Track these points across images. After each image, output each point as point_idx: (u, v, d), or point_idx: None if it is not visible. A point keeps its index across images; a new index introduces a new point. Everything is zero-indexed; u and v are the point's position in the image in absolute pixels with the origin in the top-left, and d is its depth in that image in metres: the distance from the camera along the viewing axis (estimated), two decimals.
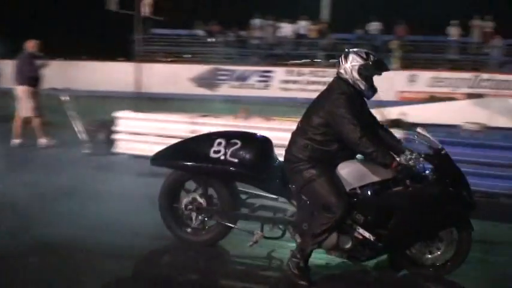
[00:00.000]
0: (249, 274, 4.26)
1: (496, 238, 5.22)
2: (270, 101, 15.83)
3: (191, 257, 4.47)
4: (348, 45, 20.53)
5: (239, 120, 7.55)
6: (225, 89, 18.87)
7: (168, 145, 4.67)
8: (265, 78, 19.23)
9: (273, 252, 4.50)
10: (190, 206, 4.46)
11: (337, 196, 3.88)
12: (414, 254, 4.07)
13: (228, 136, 4.36)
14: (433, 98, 16.05)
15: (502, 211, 6.14)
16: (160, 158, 4.55)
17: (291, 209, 4.25)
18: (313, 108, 4.05)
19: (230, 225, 4.38)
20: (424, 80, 18.43)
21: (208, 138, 4.43)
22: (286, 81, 19.01)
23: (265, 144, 4.38)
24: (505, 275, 4.42)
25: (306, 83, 18.64)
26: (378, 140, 3.97)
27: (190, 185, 4.55)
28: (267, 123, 7.37)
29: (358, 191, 3.97)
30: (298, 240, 4.12)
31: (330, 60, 18.52)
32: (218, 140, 4.30)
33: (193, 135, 5.30)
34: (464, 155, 6.39)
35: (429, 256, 4.11)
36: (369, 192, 3.94)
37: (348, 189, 3.94)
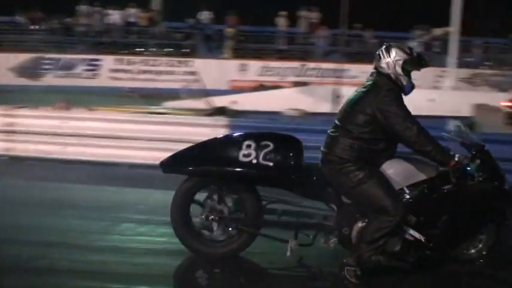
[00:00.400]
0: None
1: None
2: (98, 91, 15.49)
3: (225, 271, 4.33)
4: (180, 33, 20.92)
5: (59, 111, 7.34)
6: (50, 79, 18.06)
7: (178, 150, 4.39)
8: (93, 67, 18.77)
9: (305, 260, 4.29)
10: (212, 216, 4.17)
11: (393, 198, 3.81)
12: (456, 251, 4.15)
13: (257, 137, 4.15)
14: (262, 87, 17.16)
15: None
16: (177, 164, 4.29)
17: (320, 213, 4.17)
18: (356, 105, 3.91)
19: (257, 233, 4.20)
20: (255, 69, 19.62)
21: (235, 141, 4.20)
22: (116, 70, 18.75)
23: (298, 145, 4.20)
24: None
25: (136, 72, 18.57)
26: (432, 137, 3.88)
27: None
28: (89, 114, 7.27)
29: (407, 191, 3.95)
30: (331, 245, 4.07)
31: (165, 50, 18.63)
32: (246, 143, 4.08)
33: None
34: None
35: (472, 251, 4.21)
36: (421, 192, 3.94)
37: (396, 189, 3.90)
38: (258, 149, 4.04)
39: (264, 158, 4.02)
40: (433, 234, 3.93)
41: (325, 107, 12.53)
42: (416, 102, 14.36)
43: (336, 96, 12.43)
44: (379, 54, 4.00)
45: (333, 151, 3.92)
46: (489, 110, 10.76)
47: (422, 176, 3.97)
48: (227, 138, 4.55)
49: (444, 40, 18.14)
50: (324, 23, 21.09)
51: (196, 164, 4.18)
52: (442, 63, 18.06)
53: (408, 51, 3.95)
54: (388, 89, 3.88)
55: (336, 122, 4.02)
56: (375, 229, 3.81)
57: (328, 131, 4.07)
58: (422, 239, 3.91)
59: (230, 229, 4.19)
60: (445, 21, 16.48)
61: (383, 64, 3.94)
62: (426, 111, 13.16)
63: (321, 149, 4.09)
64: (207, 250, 4.25)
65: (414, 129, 3.76)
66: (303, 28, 21.88)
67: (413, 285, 4.13)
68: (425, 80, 17.72)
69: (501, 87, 19.60)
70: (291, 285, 4.16)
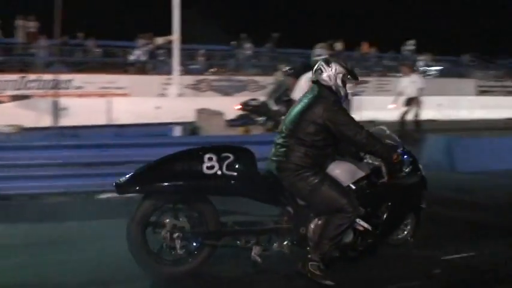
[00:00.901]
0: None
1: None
2: None
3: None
4: None
5: None
6: None
7: (135, 171, 4.37)
8: None
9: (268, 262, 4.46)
10: (177, 233, 4.25)
11: (347, 196, 4.38)
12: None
13: (216, 150, 4.37)
14: None
15: (46, 210, 6.76)
16: (137, 183, 4.25)
17: (273, 219, 4.53)
18: (306, 116, 4.37)
19: (219, 244, 4.40)
20: None
21: (195, 155, 4.35)
22: None
23: (252, 155, 4.48)
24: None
25: None
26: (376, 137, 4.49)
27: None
28: None
29: (353, 187, 4.52)
30: (285, 248, 4.43)
31: None
32: (208, 156, 4.28)
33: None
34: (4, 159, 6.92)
35: (401, 236, 4.97)
36: (364, 187, 4.55)
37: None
38: (220, 160, 4.31)
39: (228, 169, 4.30)
40: (378, 223, 4.61)
41: (47, 121, 12.33)
42: (144, 110, 15.20)
43: (60, 109, 12.37)
44: (320, 68, 4.52)
45: (289, 159, 4.37)
46: (210, 114, 11.56)
47: (361, 173, 4.61)
48: (185, 153, 4.58)
49: (168, 48, 19.30)
50: (42, 32, 20.39)
51: (160, 181, 4.23)
52: (167, 71, 19.32)
53: (345, 65, 4.55)
54: (334, 101, 4.46)
55: (285, 132, 4.47)
56: (335, 226, 4.32)
57: (277, 141, 4.53)
58: (370, 228, 4.54)
59: (194, 244, 4.36)
60: (168, 30, 17.47)
61: (325, 77, 4.49)
62: (153, 118, 14.09)
63: (273, 158, 4.51)
64: (171, 270, 4.36)
65: (363, 133, 4.37)
66: (20, 38, 20.80)
67: (360, 269, 4.69)
68: (152, 88, 18.79)
69: (225, 92, 21.89)
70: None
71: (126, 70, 21.30)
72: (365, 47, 31.12)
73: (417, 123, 13.10)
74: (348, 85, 4.54)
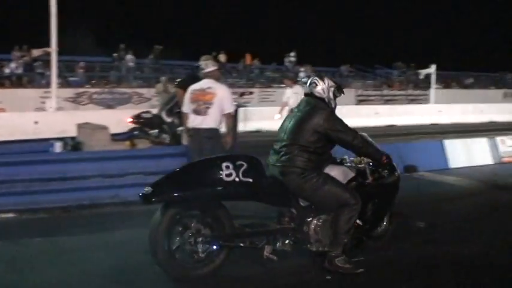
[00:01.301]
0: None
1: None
2: None
3: None
4: None
5: None
6: None
7: (158, 180, 4.64)
8: None
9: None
10: (200, 238, 4.61)
11: (349, 191, 4.99)
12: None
13: (231, 159, 4.73)
14: None
15: None
16: (162, 193, 4.49)
17: (269, 220, 5.02)
18: (306, 125, 4.92)
19: (235, 246, 4.78)
20: None
21: (213, 164, 4.71)
22: None
23: (261, 162, 4.90)
24: None
25: None
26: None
27: None
28: None
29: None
30: (288, 247, 4.92)
31: None
32: (225, 164, 4.62)
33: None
34: None
35: (380, 229, 5.53)
36: (355, 187, 5.08)
37: None
38: (235, 168, 4.66)
39: (244, 176, 4.66)
40: (366, 219, 5.15)
41: None
42: (22, 125, 14.61)
43: None
44: (314, 82, 5.14)
45: (294, 164, 4.88)
46: (93, 129, 11.26)
47: (352, 174, 5.21)
48: (204, 162, 4.98)
49: (45, 60, 18.74)
50: None
51: (186, 190, 4.52)
52: (45, 84, 18.73)
53: (335, 80, 5.33)
54: (330, 111, 5.07)
55: (287, 140, 4.98)
56: (346, 221, 4.85)
57: (279, 149, 5.02)
58: (361, 223, 5.09)
59: (214, 247, 4.69)
60: (45, 41, 16.96)
61: (319, 90, 5.13)
62: (32, 134, 13.62)
63: (276, 164, 4.98)
64: (194, 272, 4.65)
65: (358, 137, 5.03)
66: None
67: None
68: (29, 102, 18.11)
69: (107, 104, 21.58)
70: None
71: (1, 84, 20.42)
72: (248, 59, 32.21)
73: None
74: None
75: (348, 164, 5.35)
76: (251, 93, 26.16)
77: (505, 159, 11.63)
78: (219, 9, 42.57)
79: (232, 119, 6.92)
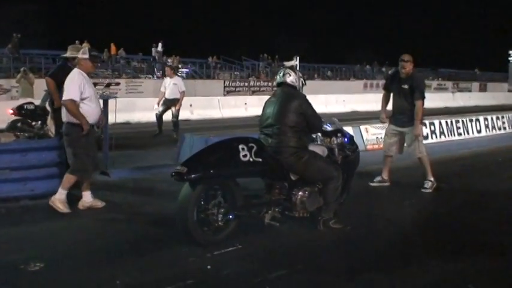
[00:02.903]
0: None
1: None
2: None
3: None
4: None
5: None
6: None
7: (186, 160, 5.30)
8: None
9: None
10: (222, 209, 5.23)
11: (332, 165, 5.85)
12: None
13: (244, 141, 5.36)
14: None
15: None
16: (194, 172, 4.98)
17: (262, 192, 5.69)
18: (290, 109, 5.60)
19: (245, 215, 5.40)
20: None
21: (232, 146, 5.30)
22: None
23: (264, 144, 5.60)
24: None
25: None
26: None
27: None
28: None
29: None
30: (278, 213, 5.60)
31: None
32: (241, 146, 5.25)
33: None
34: None
35: (344, 197, 6.16)
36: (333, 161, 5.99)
37: None
38: (249, 150, 5.26)
39: (256, 156, 5.27)
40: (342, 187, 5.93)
41: None
42: None
43: None
44: (288, 73, 5.83)
45: (288, 144, 5.56)
46: None
47: (326, 152, 5.99)
48: (224, 144, 5.49)
49: None
50: None
51: (214, 168, 5.10)
52: None
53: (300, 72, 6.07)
54: (302, 97, 5.74)
55: (276, 124, 5.62)
56: (333, 191, 5.74)
57: (270, 132, 5.66)
58: None
59: (230, 216, 5.27)
60: None
61: (292, 79, 5.82)
62: None
63: (271, 145, 5.59)
64: (214, 238, 5.21)
65: (321, 119, 5.87)
66: None
67: None
68: None
69: None
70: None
71: None
72: (113, 49, 30.99)
73: (175, 123, 13.34)
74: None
75: (320, 143, 6.14)
76: (117, 84, 25.13)
77: (369, 147, 12.19)
78: None
79: (73, 107, 6.16)
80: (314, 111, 5.75)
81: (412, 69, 7.96)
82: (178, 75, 16.95)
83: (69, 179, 6.32)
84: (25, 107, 11.48)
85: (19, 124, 11.43)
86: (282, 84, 5.88)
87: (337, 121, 6.52)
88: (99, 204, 6.59)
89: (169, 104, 13.40)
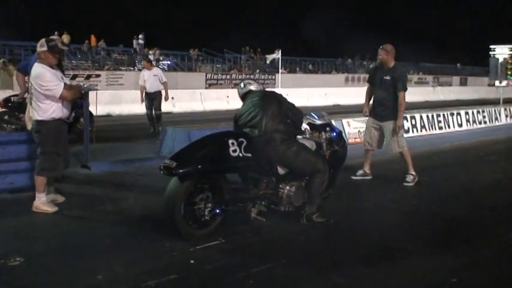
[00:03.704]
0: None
1: None
2: None
3: None
4: None
5: None
6: None
7: (175, 154, 5.24)
8: None
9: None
10: (209, 204, 5.21)
11: (320, 158, 5.87)
12: None
13: (234, 136, 5.39)
14: None
15: None
16: (182, 167, 4.94)
17: (249, 187, 5.60)
18: (272, 101, 5.78)
19: (231, 209, 5.40)
20: None
21: (222, 140, 5.29)
22: None
23: (253, 138, 5.54)
24: None
25: None
26: None
27: None
28: None
29: None
30: (264, 207, 5.62)
31: None
32: (230, 141, 5.24)
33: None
34: None
35: (330, 192, 6.24)
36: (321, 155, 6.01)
37: None
38: (238, 144, 5.26)
39: (245, 151, 5.28)
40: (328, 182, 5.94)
41: None
42: None
43: None
44: (249, 83, 6.11)
45: (278, 132, 5.58)
46: None
47: (314, 146, 6.01)
48: (213, 138, 5.45)
49: None
50: None
51: (201, 163, 5.06)
52: None
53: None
54: (280, 95, 5.96)
55: (264, 116, 5.60)
56: (319, 184, 5.75)
57: (256, 123, 5.62)
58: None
59: (217, 211, 5.25)
60: None
61: (256, 86, 6.07)
62: None
63: (260, 135, 5.55)
64: (199, 232, 5.18)
65: (300, 110, 5.95)
66: None
67: None
68: None
69: None
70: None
71: None
72: (93, 40, 30.66)
73: (158, 116, 12.97)
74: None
75: (308, 137, 6.12)
76: (98, 76, 24.87)
77: (351, 140, 12.25)
78: None
79: (69, 94, 5.97)
80: (291, 103, 5.91)
81: (395, 62, 8.03)
82: (158, 67, 16.42)
83: (40, 180, 6.09)
84: (12, 99, 11.25)
85: (6, 117, 11.26)
86: (249, 93, 6.01)
87: (326, 115, 6.49)
88: (60, 199, 6.49)
89: (152, 97, 12.93)
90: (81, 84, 9.56)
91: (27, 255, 4.64)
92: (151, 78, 12.86)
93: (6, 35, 25.89)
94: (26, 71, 6.95)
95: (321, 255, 4.96)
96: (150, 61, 14.30)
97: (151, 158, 9.10)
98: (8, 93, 12.28)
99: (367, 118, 8.52)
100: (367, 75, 9.33)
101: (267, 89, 6.35)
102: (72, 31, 28.86)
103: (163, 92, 13.00)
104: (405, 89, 7.85)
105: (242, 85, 6.12)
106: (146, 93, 12.96)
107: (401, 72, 8.07)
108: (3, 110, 11.37)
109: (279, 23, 47.22)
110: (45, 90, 5.94)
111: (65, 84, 6.07)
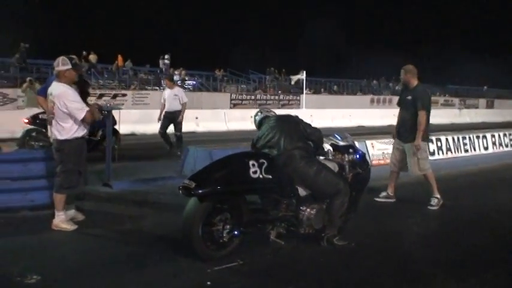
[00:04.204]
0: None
1: None
2: None
3: None
4: None
5: None
6: None
7: (194, 174, 5.16)
8: None
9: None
10: (228, 226, 5.13)
11: (342, 179, 5.79)
12: None
13: (255, 156, 5.34)
14: None
15: None
16: (202, 188, 4.87)
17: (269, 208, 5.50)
18: (290, 122, 5.87)
19: (250, 231, 5.32)
20: None
21: (242, 161, 5.20)
22: None
23: (274, 159, 5.48)
24: None
25: None
26: None
27: None
28: None
29: None
30: (283, 229, 5.55)
31: None
32: (251, 162, 5.16)
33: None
34: None
35: (352, 215, 6.11)
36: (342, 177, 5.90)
37: None
38: (259, 166, 5.19)
39: (266, 172, 5.21)
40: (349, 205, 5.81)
41: None
42: None
43: None
44: (266, 110, 6.25)
45: (294, 145, 5.57)
46: None
47: (337, 168, 5.88)
48: (233, 159, 5.34)
49: None
50: None
51: (221, 185, 4.97)
52: None
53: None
54: (296, 116, 6.00)
55: (282, 135, 5.64)
56: (339, 206, 5.64)
57: (270, 145, 5.65)
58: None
59: (236, 232, 5.17)
60: None
61: (272, 112, 6.16)
62: None
63: (280, 153, 5.53)
64: (217, 253, 5.11)
65: (319, 129, 5.94)
66: None
67: None
68: None
69: None
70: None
71: None
72: (120, 60, 31.10)
73: (179, 138, 12.76)
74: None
75: (331, 158, 6.07)
76: (124, 95, 25.17)
77: (375, 162, 12.08)
78: (89, 8, 40.80)
79: (90, 115, 5.96)
80: (308, 123, 5.96)
81: (418, 82, 7.93)
82: (179, 86, 16.23)
83: (59, 198, 6.11)
84: (40, 116, 11.37)
85: (34, 133, 11.35)
86: (265, 119, 6.09)
87: (350, 136, 6.38)
88: (80, 217, 6.48)
89: (170, 117, 12.76)
90: (105, 103, 9.64)
91: (43, 274, 4.62)
92: (171, 97, 12.70)
93: (34, 53, 26.42)
94: (45, 95, 6.97)
95: (341, 279, 4.84)
96: (172, 79, 14.19)
97: (173, 177, 9.08)
98: (34, 111, 12.41)
99: (393, 140, 8.42)
100: (392, 97, 9.25)
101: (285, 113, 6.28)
102: (99, 51, 29.34)
103: (183, 112, 12.78)
104: (425, 109, 7.69)
105: (259, 113, 6.19)
106: (165, 112, 12.80)
107: (422, 91, 7.91)
108: (31, 127, 11.54)
109: (303, 43, 47.33)
110: (71, 110, 5.97)
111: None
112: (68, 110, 5.98)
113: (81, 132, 6.14)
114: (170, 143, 12.94)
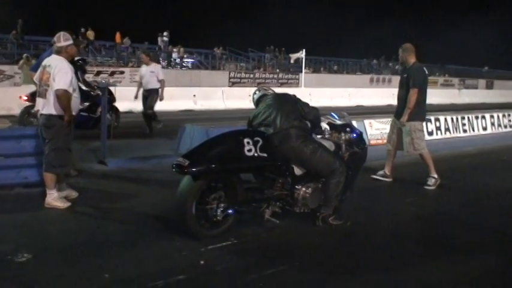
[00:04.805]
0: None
1: None
2: None
3: None
4: None
5: None
6: None
7: (189, 152, 5.16)
8: None
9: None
10: (222, 204, 5.06)
11: (338, 158, 5.70)
12: None
13: (250, 135, 5.25)
14: None
15: None
16: (196, 166, 4.81)
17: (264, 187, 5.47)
18: (281, 102, 5.71)
19: (245, 210, 5.29)
20: None
21: (237, 139, 5.12)
22: None
23: (269, 138, 5.39)
24: None
25: None
26: None
27: None
28: None
29: None
30: (278, 208, 5.49)
31: None
32: (246, 140, 5.09)
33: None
34: None
35: (347, 194, 6.03)
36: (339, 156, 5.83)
37: None
38: (254, 144, 5.11)
39: (261, 151, 5.13)
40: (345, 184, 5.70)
41: None
42: None
43: None
44: (264, 88, 6.15)
45: (291, 124, 5.46)
46: None
47: (333, 147, 5.82)
48: (228, 137, 5.27)
49: None
50: None
51: (215, 163, 4.88)
52: None
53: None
54: (294, 95, 5.87)
55: (279, 114, 5.50)
56: (335, 185, 5.53)
57: (266, 123, 5.52)
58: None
59: (230, 211, 5.11)
60: None
61: (269, 91, 6.08)
62: None
63: (276, 131, 5.40)
64: (210, 232, 5.07)
65: (316, 108, 5.83)
66: None
67: None
68: None
69: None
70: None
71: None
72: (118, 37, 30.80)
73: (149, 115, 12.18)
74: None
75: (327, 137, 5.97)
76: (122, 72, 24.96)
77: (373, 142, 12.02)
78: None
79: (66, 97, 5.80)
80: (305, 102, 5.84)
81: (415, 60, 7.83)
82: (157, 63, 15.02)
83: (49, 177, 6.01)
84: None
85: (33, 110, 11.30)
86: (262, 97, 6.01)
87: (347, 115, 6.33)
88: (73, 194, 6.41)
89: (147, 95, 12.14)
90: (103, 81, 9.49)
91: (35, 252, 4.58)
92: (147, 74, 12.10)
93: (32, 30, 26.17)
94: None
95: (335, 259, 4.81)
96: (148, 55, 13.06)
97: (169, 155, 9.01)
98: (31, 87, 12.28)
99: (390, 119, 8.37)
100: (392, 76, 9.15)
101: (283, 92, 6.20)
102: (97, 27, 29.05)
103: (160, 89, 12.16)
104: (416, 87, 7.59)
105: (257, 91, 6.12)
106: (142, 90, 12.30)
107: (416, 69, 7.77)
108: (30, 104, 11.43)
109: (305, 22, 46.98)
110: (57, 77, 5.82)
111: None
112: (54, 76, 5.83)
113: (76, 108, 6.05)
114: (151, 127, 12.47)
